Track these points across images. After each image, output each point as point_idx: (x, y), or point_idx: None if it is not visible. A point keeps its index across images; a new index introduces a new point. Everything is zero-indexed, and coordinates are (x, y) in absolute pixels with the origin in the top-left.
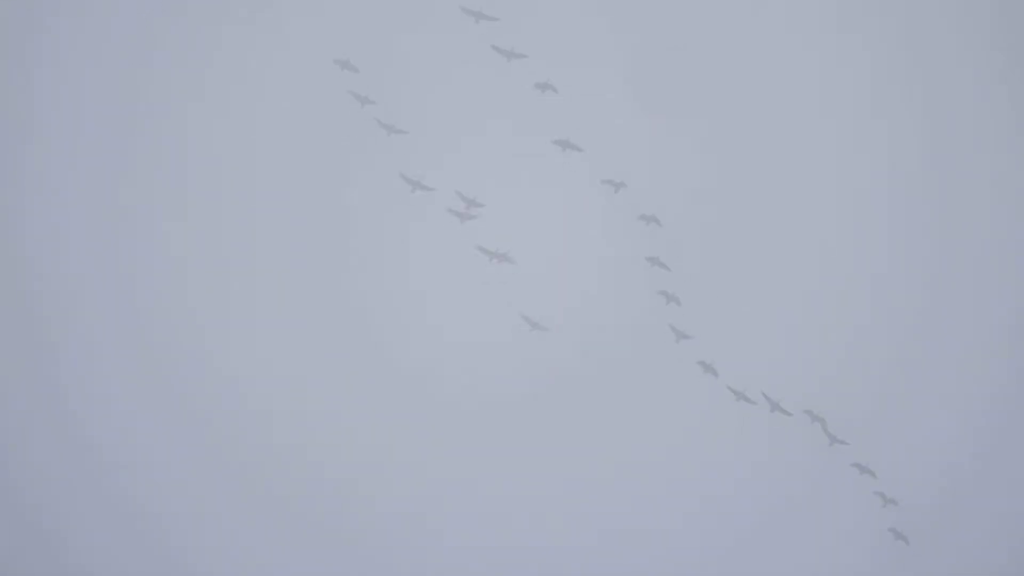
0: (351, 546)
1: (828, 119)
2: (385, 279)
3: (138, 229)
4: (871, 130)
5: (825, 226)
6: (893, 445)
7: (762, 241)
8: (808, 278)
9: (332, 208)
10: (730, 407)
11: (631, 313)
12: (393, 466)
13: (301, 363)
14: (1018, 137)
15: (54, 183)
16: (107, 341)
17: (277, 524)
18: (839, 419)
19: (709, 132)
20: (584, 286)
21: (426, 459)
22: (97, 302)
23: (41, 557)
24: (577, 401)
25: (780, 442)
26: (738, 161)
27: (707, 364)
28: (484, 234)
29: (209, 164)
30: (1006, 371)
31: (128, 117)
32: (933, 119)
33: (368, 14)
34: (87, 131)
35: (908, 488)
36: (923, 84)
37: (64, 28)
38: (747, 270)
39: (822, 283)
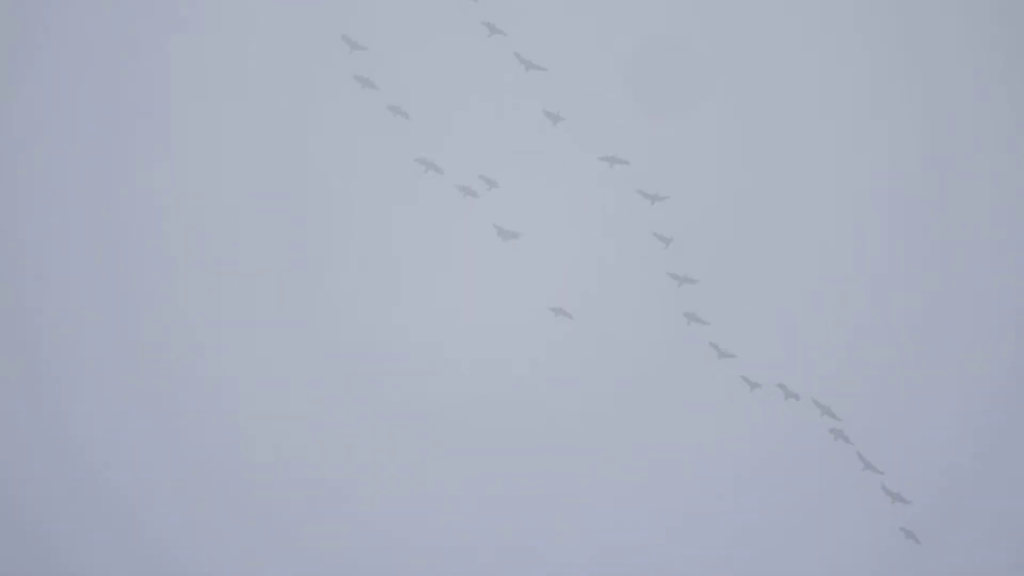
0: (343, 551)
1: (828, 118)
2: (385, 281)
3: (128, 227)
4: (871, 129)
5: (825, 227)
6: (895, 444)
7: (764, 239)
8: (809, 278)
9: (331, 206)
10: (740, 408)
11: (635, 313)
12: (390, 472)
13: (297, 365)
14: (1018, 137)
15: (43, 181)
16: (94, 340)
17: (269, 530)
18: (842, 417)
19: (710, 131)
20: (587, 285)
21: (426, 462)
22: (84, 301)
23: (30, 558)
24: (583, 402)
25: (789, 440)
26: (739, 159)
27: (721, 349)
28: (488, 236)
29: (202, 161)
30: (1007, 371)
31: (120, 111)
32: (933, 118)
33: (370, 9)
34: (78, 127)
35: (910, 487)
36: (923, 84)
37: (56, 20)
38: (749, 269)
39: (823, 283)
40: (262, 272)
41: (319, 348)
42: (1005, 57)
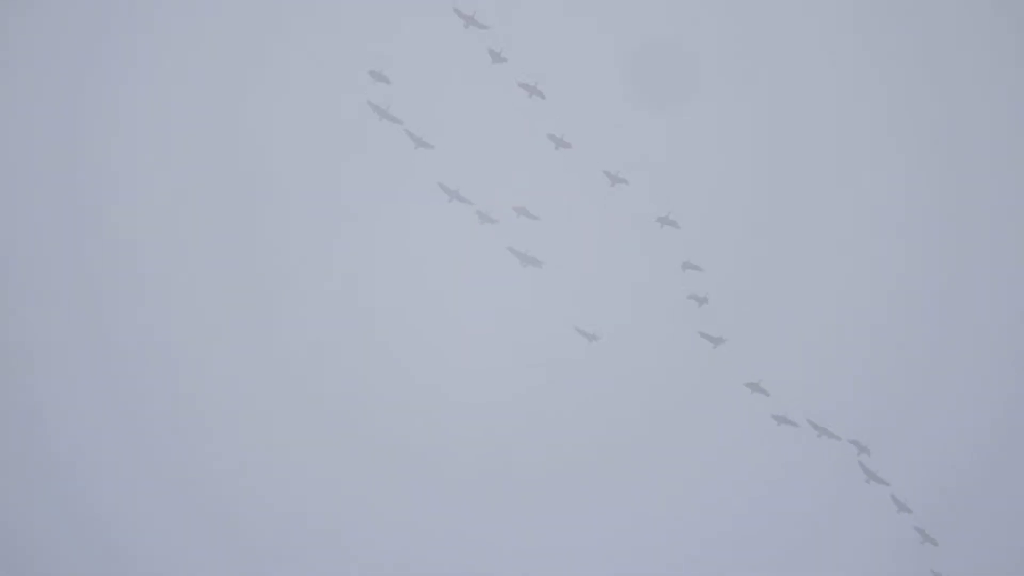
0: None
1: (829, 118)
2: (394, 300)
3: (93, 229)
4: (874, 125)
5: (830, 229)
6: (907, 449)
7: (769, 240)
8: (813, 282)
9: (346, 222)
10: (760, 432)
11: (641, 324)
12: (378, 514)
13: (288, 395)
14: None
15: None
16: (62, 340)
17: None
18: (857, 425)
19: (707, 128)
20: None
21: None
22: (50, 304)
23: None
24: (600, 421)
25: (814, 468)
26: (741, 160)
27: (755, 384)
28: (500, 257)
29: (204, 173)
30: (1014, 375)
31: (81, 112)
32: (935, 118)
33: (385, 29)
34: (45, 132)
35: (922, 491)
36: (924, 83)
37: (18, 19)
38: (757, 270)
39: (826, 287)
40: (256, 295)
41: (307, 374)
42: (1011, 57)
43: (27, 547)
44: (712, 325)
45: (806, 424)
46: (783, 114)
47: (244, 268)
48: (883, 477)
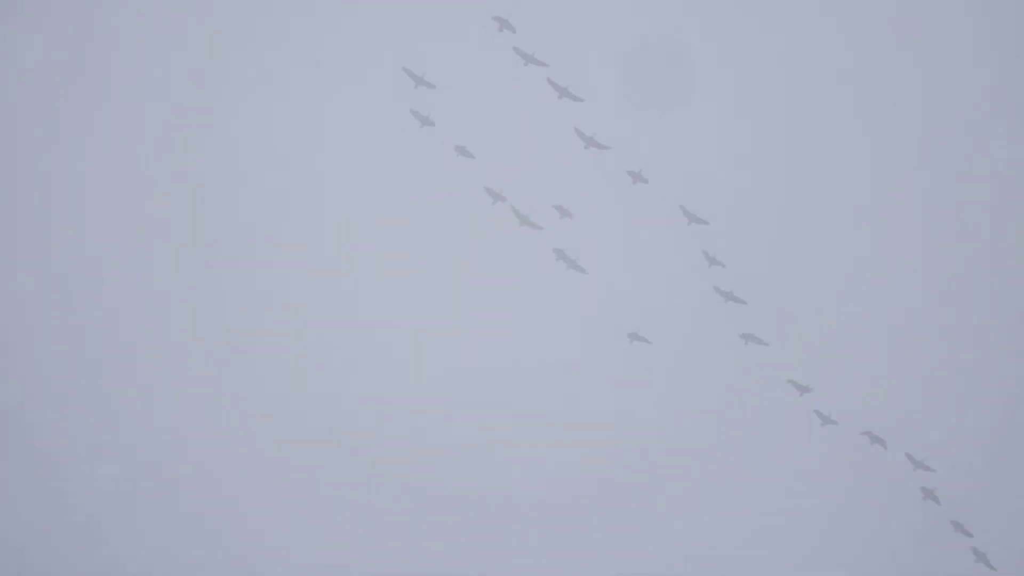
0: None
1: (828, 117)
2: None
3: (67, 221)
4: (874, 123)
5: (830, 227)
6: (908, 449)
7: (767, 240)
8: (819, 281)
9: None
10: (769, 433)
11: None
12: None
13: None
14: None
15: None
16: (37, 339)
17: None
18: (881, 418)
19: (707, 128)
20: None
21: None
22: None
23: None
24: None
25: (830, 470)
26: (731, 159)
27: (801, 385)
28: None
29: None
30: (1014, 375)
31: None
32: (939, 115)
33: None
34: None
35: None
36: (927, 86)
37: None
38: (756, 270)
39: (831, 285)
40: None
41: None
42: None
43: (19, 548)
44: (713, 325)
45: (853, 429)
46: (783, 114)
47: (244, 268)
48: (939, 497)
